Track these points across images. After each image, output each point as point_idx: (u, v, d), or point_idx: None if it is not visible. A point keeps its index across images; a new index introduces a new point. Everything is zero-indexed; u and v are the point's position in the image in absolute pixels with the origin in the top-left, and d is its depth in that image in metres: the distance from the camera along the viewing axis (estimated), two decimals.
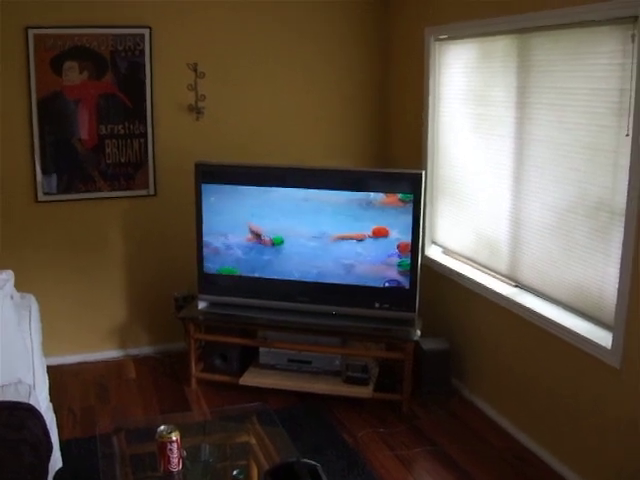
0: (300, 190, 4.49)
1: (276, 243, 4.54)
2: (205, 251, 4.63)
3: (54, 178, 4.81)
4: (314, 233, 4.49)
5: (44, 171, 4.78)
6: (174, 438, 2.74)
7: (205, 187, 4.54)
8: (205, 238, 4.61)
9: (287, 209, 4.51)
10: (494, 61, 4.19)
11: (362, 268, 4.47)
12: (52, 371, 4.16)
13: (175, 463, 2.74)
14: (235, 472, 2.71)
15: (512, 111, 4.03)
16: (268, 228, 4.55)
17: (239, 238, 4.60)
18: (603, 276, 3.46)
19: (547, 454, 3.87)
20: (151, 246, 5.13)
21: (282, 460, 2.70)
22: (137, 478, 2.89)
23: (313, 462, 2.44)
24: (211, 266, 4.65)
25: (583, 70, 3.48)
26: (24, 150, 4.74)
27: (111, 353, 5.19)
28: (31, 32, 4.56)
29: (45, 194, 4.81)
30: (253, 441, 3.15)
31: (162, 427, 2.77)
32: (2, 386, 3.37)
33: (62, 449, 3.64)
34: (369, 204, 4.38)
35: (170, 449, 2.73)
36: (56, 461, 3.47)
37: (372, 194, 4.38)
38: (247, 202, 4.54)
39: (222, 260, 4.63)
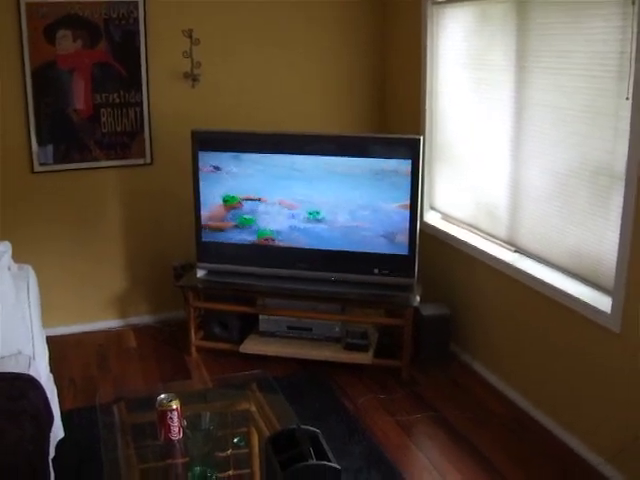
0: (296, 156, 4.46)
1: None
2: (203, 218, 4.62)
3: (50, 148, 4.78)
4: (311, 199, 4.47)
5: (40, 141, 4.75)
6: (174, 407, 2.74)
7: (202, 154, 4.52)
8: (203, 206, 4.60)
9: (284, 175, 4.48)
10: (492, 24, 4.14)
11: (361, 234, 4.45)
12: (52, 342, 4.16)
13: (175, 432, 2.75)
14: (236, 439, 2.71)
15: (511, 75, 3.99)
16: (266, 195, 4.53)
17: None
18: (603, 240, 3.44)
19: (548, 420, 3.89)
20: (149, 215, 5.11)
21: (282, 427, 2.69)
22: (138, 447, 2.89)
23: (314, 429, 2.44)
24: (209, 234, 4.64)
25: (582, 33, 3.42)
26: (19, 121, 4.69)
27: (111, 323, 5.19)
28: (23, 0, 4.49)
29: (41, 164, 4.78)
30: (253, 408, 3.15)
31: (162, 396, 2.77)
32: (2, 357, 3.37)
33: (63, 419, 3.65)
34: (366, 169, 4.35)
35: (170, 418, 2.73)
36: (57, 431, 3.49)
37: (369, 159, 4.35)
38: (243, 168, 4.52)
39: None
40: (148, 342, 4.98)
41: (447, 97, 4.68)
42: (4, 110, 4.65)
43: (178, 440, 2.75)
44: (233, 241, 4.62)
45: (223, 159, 4.51)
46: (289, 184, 4.48)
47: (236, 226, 4.60)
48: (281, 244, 4.57)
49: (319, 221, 4.49)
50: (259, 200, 4.54)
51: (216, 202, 4.59)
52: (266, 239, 4.58)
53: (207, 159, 4.51)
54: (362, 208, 4.42)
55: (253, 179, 4.51)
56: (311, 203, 4.48)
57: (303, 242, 4.54)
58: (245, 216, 4.57)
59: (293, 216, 4.52)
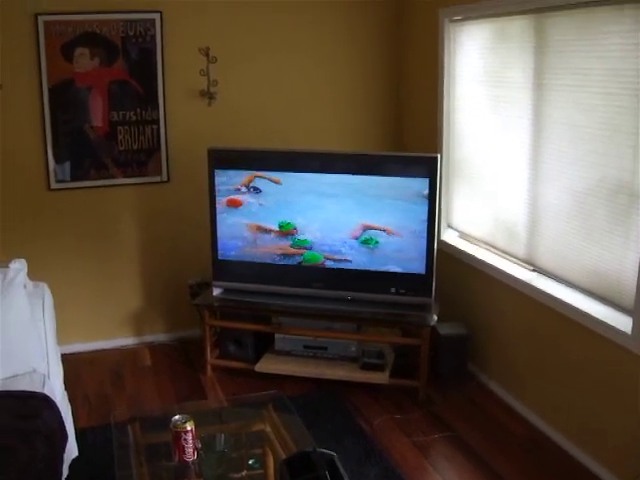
0: (313, 175, 4.44)
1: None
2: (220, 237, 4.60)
3: (67, 165, 4.79)
4: (328, 218, 4.45)
5: (57, 159, 4.76)
6: (189, 428, 2.72)
7: (218, 172, 4.51)
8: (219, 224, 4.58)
9: (300, 194, 4.46)
10: (510, 42, 4.11)
11: (377, 253, 4.42)
12: (67, 359, 4.15)
13: (190, 453, 2.72)
14: (251, 461, 2.68)
15: (529, 93, 3.96)
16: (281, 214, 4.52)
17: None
18: (623, 260, 3.39)
19: (565, 441, 3.83)
20: (165, 233, 5.11)
21: (298, 449, 2.66)
22: (152, 467, 2.87)
23: (330, 452, 2.41)
24: (226, 252, 4.62)
25: (599, 50, 3.40)
26: (36, 138, 4.71)
27: (126, 340, 5.18)
28: (41, 19, 4.52)
29: (58, 182, 4.79)
30: (269, 429, 3.12)
31: (177, 417, 2.75)
32: (16, 376, 3.36)
33: (78, 438, 3.63)
34: (384, 188, 4.33)
35: (185, 439, 2.71)
36: (71, 450, 3.46)
37: (387, 178, 4.33)
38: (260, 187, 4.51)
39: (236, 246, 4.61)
40: (163, 360, 4.96)
41: (464, 114, 4.65)
42: (22, 127, 4.67)
43: (192, 462, 2.72)
44: (249, 259, 4.60)
45: (239, 177, 4.50)
46: (306, 202, 4.46)
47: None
48: (297, 262, 4.55)
49: (335, 240, 4.47)
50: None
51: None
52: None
53: (224, 176, 4.51)
54: (379, 227, 4.38)
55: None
56: (328, 221, 4.45)
57: (319, 259, 4.52)
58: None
59: (311, 234, 4.50)
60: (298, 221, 4.50)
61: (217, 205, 4.55)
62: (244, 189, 4.50)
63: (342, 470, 2.32)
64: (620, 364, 3.40)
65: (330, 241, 4.48)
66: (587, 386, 3.65)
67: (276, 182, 4.46)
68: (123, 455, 2.90)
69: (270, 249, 4.56)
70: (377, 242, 4.40)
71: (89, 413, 4.24)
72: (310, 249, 4.51)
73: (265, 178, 4.48)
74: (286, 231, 4.52)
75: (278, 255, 4.56)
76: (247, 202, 4.52)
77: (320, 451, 2.38)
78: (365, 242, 4.42)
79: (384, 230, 4.37)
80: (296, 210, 4.49)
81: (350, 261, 4.46)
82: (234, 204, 4.54)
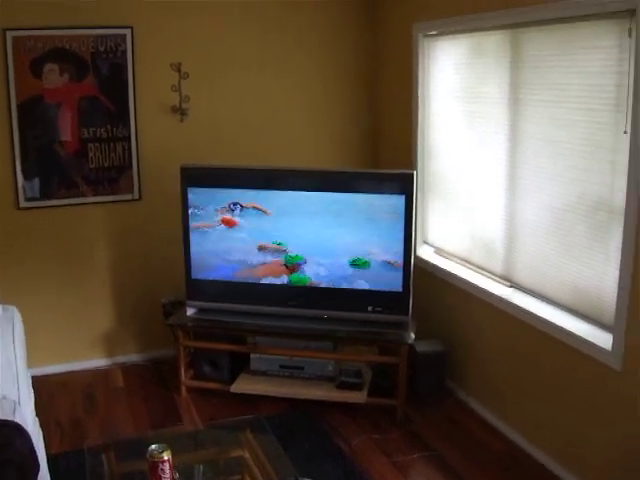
0: (287, 192, 4.39)
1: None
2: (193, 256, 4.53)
3: (36, 182, 4.69)
4: (301, 236, 4.39)
5: (25, 175, 4.65)
6: (165, 457, 2.64)
7: (191, 190, 4.44)
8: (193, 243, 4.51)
9: (274, 211, 4.41)
10: (486, 57, 4.10)
11: (353, 271, 4.37)
12: (38, 382, 4.07)
13: None
14: None
15: (505, 108, 3.95)
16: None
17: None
18: (602, 276, 3.38)
19: (546, 458, 3.79)
20: (137, 252, 5.02)
21: (280, 478, 2.59)
22: None
23: None
24: (199, 272, 4.54)
25: (578, 66, 3.39)
26: (4, 156, 4.60)
27: (98, 362, 5.07)
28: (9, 34, 4.43)
29: (27, 200, 4.68)
30: (247, 455, 3.05)
31: (153, 446, 2.67)
32: None
33: (50, 464, 3.52)
34: (358, 205, 4.29)
35: (162, 469, 2.63)
36: (44, 478, 3.36)
37: (361, 195, 4.28)
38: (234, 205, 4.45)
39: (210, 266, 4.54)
40: (136, 381, 4.86)
41: (440, 130, 4.63)
42: None
43: None
44: (223, 278, 4.52)
45: (212, 194, 4.43)
46: (279, 220, 4.40)
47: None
48: (273, 282, 4.48)
49: (307, 259, 4.41)
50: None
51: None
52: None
53: (196, 194, 4.44)
54: (354, 244, 4.34)
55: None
56: (301, 239, 4.39)
57: (295, 279, 4.45)
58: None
59: (284, 253, 4.44)
60: (285, 239, 4.45)
61: (192, 225, 4.48)
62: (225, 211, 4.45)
63: None
64: (601, 381, 3.38)
65: (321, 260, 4.42)
66: (568, 403, 3.62)
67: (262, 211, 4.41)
68: None
69: (260, 270, 4.49)
70: (366, 262, 4.34)
71: (61, 438, 4.12)
72: (301, 265, 4.44)
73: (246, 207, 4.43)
74: (278, 247, 4.45)
75: (265, 275, 4.49)
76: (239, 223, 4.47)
77: None
78: (354, 263, 4.37)
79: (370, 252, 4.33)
80: (280, 229, 4.43)
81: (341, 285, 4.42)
82: (227, 223, 4.48)
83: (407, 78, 4.81)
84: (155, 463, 2.64)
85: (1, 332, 3.42)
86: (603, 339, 3.37)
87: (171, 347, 4.89)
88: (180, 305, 4.80)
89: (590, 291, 3.47)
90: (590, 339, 3.42)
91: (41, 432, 3.57)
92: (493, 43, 4.01)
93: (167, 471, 2.64)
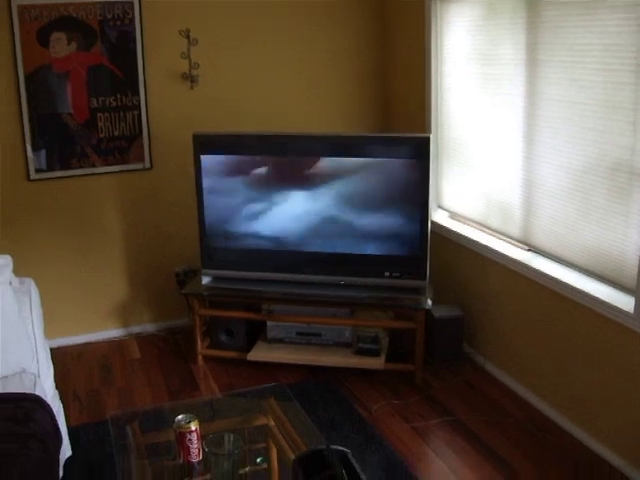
0: (301, 158, 4.34)
1: None
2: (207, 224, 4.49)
3: (45, 155, 4.64)
4: (316, 201, 4.36)
5: (35, 149, 4.60)
6: (193, 428, 2.62)
7: (204, 158, 4.39)
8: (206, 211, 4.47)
9: (287, 177, 4.37)
10: (501, 18, 4.02)
11: (369, 236, 4.34)
12: (54, 354, 4.05)
13: (195, 454, 2.63)
14: (258, 460, 2.59)
15: (521, 69, 3.88)
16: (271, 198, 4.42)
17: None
18: (623, 239, 3.34)
19: (566, 421, 3.79)
20: (149, 221, 4.98)
21: (310, 447, 2.58)
22: (155, 470, 2.77)
23: (343, 448, 2.33)
24: (214, 239, 4.51)
25: (597, 25, 3.31)
26: (13, 127, 4.55)
27: (114, 332, 5.06)
28: (14, 2, 4.35)
29: (37, 172, 4.64)
30: (272, 423, 3.03)
31: (180, 417, 2.65)
32: (5, 377, 3.25)
33: (70, 436, 3.54)
34: (374, 170, 4.24)
35: (190, 439, 2.61)
36: (65, 450, 3.37)
37: (377, 159, 4.24)
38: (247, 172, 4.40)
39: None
40: (152, 352, 4.85)
41: (454, 93, 4.56)
42: None
43: (198, 462, 2.63)
44: (238, 246, 4.50)
45: (225, 162, 4.39)
46: (292, 186, 4.36)
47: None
48: (288, 248, 4.45)
49: (326, 224, 4.38)
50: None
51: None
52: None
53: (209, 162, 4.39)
54: (370, 209, 4.30)
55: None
56: (317, 205, 4.36)
57: (310, 245, 4.42)
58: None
59: (298, 219, 4.40)
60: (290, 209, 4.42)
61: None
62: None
63: (357, 467, 2.25)
64: (622, 343, 3.36)
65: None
66: (588, 366, 3.60)
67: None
68: (124, 457, 2.80)
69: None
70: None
71: (80, 411, 4.12)
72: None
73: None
74: None
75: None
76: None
77: (333, 448, 2.30)
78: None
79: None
80: (287, 196, 4.40)
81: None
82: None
83: (419, 42, 4.74)
84: (183, 434, 2.63)
85: (19, 305, 3.41)
86: (625, 302, 3.34)
87: (186, 316, 4.88)
88: (193, 274, 4.78)
89: (611, 254, 3.44)
90: (612, 302, 3.39)
91: (61, 405, 3.58)
92: (508, 3, 3.94)
93: (195, 441, 2.62)
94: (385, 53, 5.25)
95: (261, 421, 3.09)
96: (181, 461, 2.64)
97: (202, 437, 2.66)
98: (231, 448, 2.48)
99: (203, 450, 2.64)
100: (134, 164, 4.85)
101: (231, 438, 2.51)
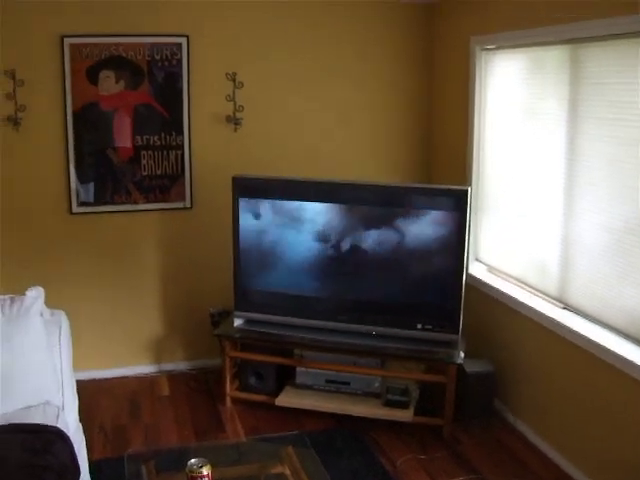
0: (340, 206, 4.34)
1: None
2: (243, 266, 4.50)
3: (89, 189, 4.72)
4: (353, 249, 4.34)
5: (83, 182, 4.69)
6: (205, 472, 2.60)
7: (242, 201, 4.42)
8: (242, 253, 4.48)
9: (325, 225, 4.37)
10: (544, 72, 4.01)
11: (404, 287, 4.30)
12: (83, 386, 4.07)
13: None
14: None
15: (563, 125, 3.84)
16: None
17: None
18: None
19: None
20: (187, 260, 5.02)
21: None
22: None
23: None
24: (248, 282, 4.51)
25: (638, 82, 3.28)
26: (59, 161, 4.66)
27: (145, 368, 5.07)
28: (67, 41, 4.48)
29: (79, 205, 4.71)
30: (288, 472, 2.99)
31: (192, 460, 2.63)
32: (29, 407, 3.26)
33: (92, 470, 3.52)
34: (412, 221, 4.22)
35: None
36: None
37: (415, 210, 4.22)
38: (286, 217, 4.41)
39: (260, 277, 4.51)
40: (182, 390, 4.85)
41: (495, 145, 4.54)
42: (45, 151, 4.63)
43: None
44: (272, 290, 4.49)
45: (264, 206, 4.41)
46: (330, 233, 4.36)
47: None
48: (322, 294, 4.43)
49: (361, 272, 4.35)
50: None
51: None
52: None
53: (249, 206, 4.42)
54: (407, 260, 4.27)
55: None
56: (353, 252, 4.34)
57: (345, 293, 4.40)
58: None
59: (334, 266, 4.39)
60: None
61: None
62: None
63: None
64: None
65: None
66: (620, 431, 3.48)
67: None
68: None
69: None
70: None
71: (104, 444, 4.13)
72: None
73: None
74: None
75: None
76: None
77: None
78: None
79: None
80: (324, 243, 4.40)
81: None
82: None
83: (463, 92, 4.73)
84: (194, 477, 2.60)
85: (47, 337, 3.43)
86: None
87: (218, 357, 4.87)
88: (227, 315, 4.78)
89: None
90: None
91: (84, 438, 3.58)
92: (552, 58, 3.92)
93: None
94: (432, 103, 5.25)
95: (278, 469, 3.05)
96: None
97: None
98: None
99: None
100: (175, 203, 4.90)
101: None
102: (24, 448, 2.95)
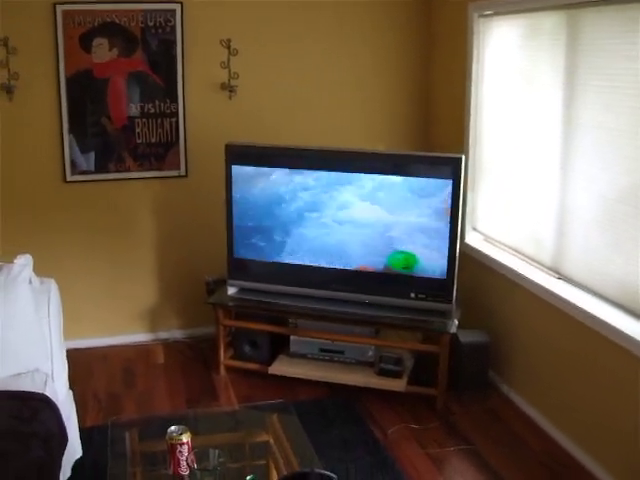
0: (334, 173, 4.30)
1: None
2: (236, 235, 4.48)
3: (83, 158, 4.70)
4: (347, 217, 4.31)
5: (73, 151, 4.66)
6: (184, 440, 2.59)
7: (235, 169, 4.39)
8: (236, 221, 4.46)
9: (319, 192, 4.33)
10: (541, 39, 3.94)
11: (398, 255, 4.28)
12: (78, 354, 4.10)
13: (185, 466, 2.59)
14: (249, 478, 2.54)
15: (559, 92, 3.78)
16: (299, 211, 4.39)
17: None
18: None
19: (588, 459, 3.65)
20: (182, 228, 5.00)
21: (298, 468, 2.53)
22: (146, 478, 2.75)
23: (329, 473, 2.27)
24: (242, 250, 4.50)
25: (636, 50, 3.21)
26: (53, 130, 4.63)
27: (140, 337, 5.08)
28: (59, 8, 4.43)
29: (73, 174, 4.69)
30: (272, 441, 2.99)
31: (172, 428, 2.63)
32: (18, 375, 3.26)
33: (83, 437, 3.55)
34: (406, 188, 4.18)
35: (180, 451, 2.58)
36: (74, 451, 3.38)
37: (409, 178, 4.18)
38: (279, 184, 4.38)
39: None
40: (176, 358, 4.86)
41: (492, 114, 4.48)
42: (38, 119, 4.60)
43: (188, 475, 2.59)
44: (266, 259, 4.47)
45: (257, 173, 4.38)
46: (324, 201, 4.33)
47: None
48: (315, 263, 4.41)
49: (355, 241, 4.33)
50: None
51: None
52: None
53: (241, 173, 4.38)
54: (400, 228, 4.24)
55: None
56: (347, 221, 4.31)
57: (338, 262, 4.38)
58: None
59: (329, 234, 4.36)
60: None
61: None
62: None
63: None
64: None
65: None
66: (613, 402, 3.47)
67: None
68: (117, 463, 2.79)
69: None
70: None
71: (97, 412, 4.14)
72: None
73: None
74: None
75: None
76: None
77: (318, 472, 2.25)
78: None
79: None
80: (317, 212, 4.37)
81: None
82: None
83: (460, 59, 4.67)
84: (174, 445, 2.60)
85: (36, 305, 3.42)
86: None
87: (213, 325, 4.86)
88: (223, 283, 4.77)
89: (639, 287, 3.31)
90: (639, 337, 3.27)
91: (74, 406, 3.59)
92: (549, 24, 3.85)
93: (185, 454, 2.59)
94: (428, 70, 5.19)
95: (262, 437, 3.05)
96: (171, 472, 2.61)
97: (194, 450, 2.62)
98: (216, 463, 2.44)
99: (190, 466, 2.59)
100: (169, 171, 4.87)
101: (216, 454, 2.46)
102: (11, 415, 2.97)
